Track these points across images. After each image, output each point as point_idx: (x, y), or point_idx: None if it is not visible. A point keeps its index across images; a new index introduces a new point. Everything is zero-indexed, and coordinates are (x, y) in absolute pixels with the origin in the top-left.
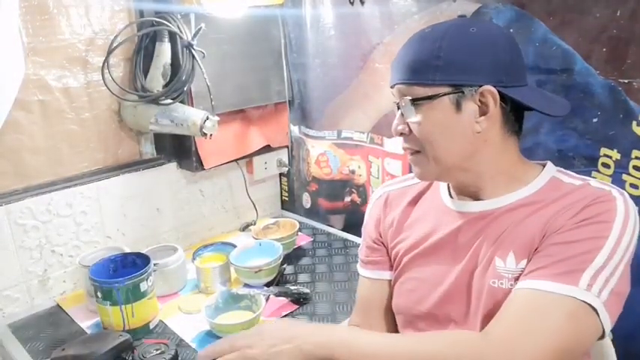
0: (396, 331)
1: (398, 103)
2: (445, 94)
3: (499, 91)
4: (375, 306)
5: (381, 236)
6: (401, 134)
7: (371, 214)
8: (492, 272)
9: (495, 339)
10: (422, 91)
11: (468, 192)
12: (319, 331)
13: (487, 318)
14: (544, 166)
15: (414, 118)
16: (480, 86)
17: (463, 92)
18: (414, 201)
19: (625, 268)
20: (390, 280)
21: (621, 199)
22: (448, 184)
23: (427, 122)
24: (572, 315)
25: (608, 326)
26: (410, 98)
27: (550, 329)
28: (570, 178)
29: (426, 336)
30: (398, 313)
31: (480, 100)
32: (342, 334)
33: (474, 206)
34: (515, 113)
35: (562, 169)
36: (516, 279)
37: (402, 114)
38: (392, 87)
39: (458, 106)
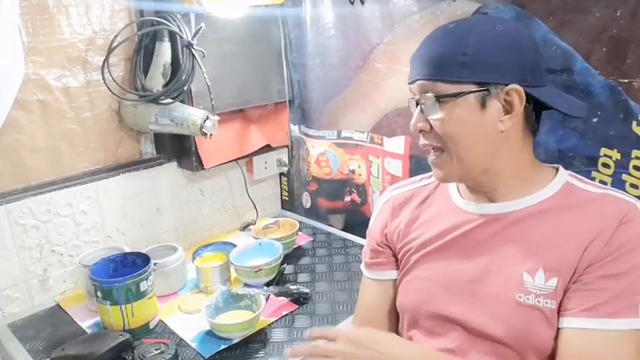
0: (397, 333)
1: (417, 100)
2: (471, 92)
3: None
4: (378, 308)
5: (387, 239)
6: (420, 131)
7: (377, 217)
8: (518, 286)
9: None
10: (446, 88)
11: (481, 193)
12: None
13: (511, 332)
14: (556, 169)
15: (437, 115)
16: (506, 85)
17: (489, 90)
18: (423, 202)
19: None
20: (396, 280)
21: None
22: (457, 185)
23: (451, 120)
24: None
25: None
26: (434, 95)
27: None
28: (584, 184)
29: None
30: (403, 312)
31: (504, 99)
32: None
33: (487, 208)
34: (536, 113)
35: (573, 174)
36: (545, 296)
37: (422, 110)
38: (411, 83)
39: (483, 104)
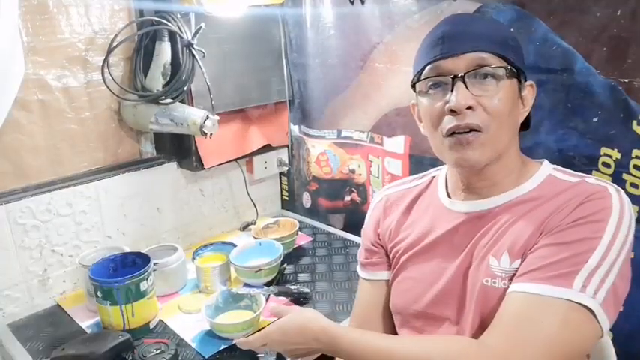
0: (395, 332)
1: (460, 75)
2: (517, 77)
3: None
4: (374, 308)
5: (379, 239)
6: (468, 108)
7: (371, 217)
8: (486, 270)
9: (490, 350)
10: (503, 67)
11: (474, 189)
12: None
13: (479, 317)
14: (541, 163)
15: (494, 92)
16: (526, 79)
17: (521, 81)
18: (413, 202)
19: (623, 267)
20: (389, 280)
21: (617, 196)
22: (446, 184)
23: (504, 98)
24: (568, 319)
25: (606, 326)
26: (494, 70)
27: (546, 337)
28: (566, 176)
29: (421, 340)
30: (395, 313)
31: (522, 93)
32: (349, 337)
33: (473, 206)
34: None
35: (559, 167)
36: (510, 278)
37: (467, 87)
38: (456, 55)
39: (520, 91)
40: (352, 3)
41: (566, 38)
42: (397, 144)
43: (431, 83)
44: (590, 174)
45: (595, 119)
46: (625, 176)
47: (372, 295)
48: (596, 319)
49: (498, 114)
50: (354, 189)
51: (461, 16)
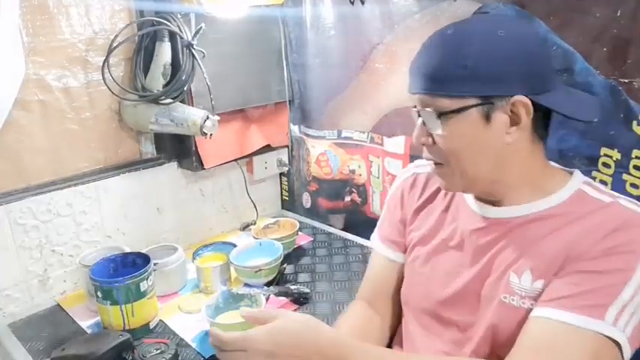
0: (400, 316)
1: (419, 112)
2: (473, 106)
3: (531, 100)
4: (385, 288)
5: (403, 216)
6: (423, 145)
7: (396, 192)
8: (505, 287)
9: None
10: (447, 103)
11: (489, 199)
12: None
13: (491, 331)
14: (571, 173)
15: (439, 130)
16: (511, 96)
17: (493, 103)
18: (435, 192)
19: None
20: (403, 265)
21: None
22: None
23: (453, 136)
24: (598, 352)
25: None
26: (434, 110)
27: None
28: (598, 193)
29: None
30: (404, 304)
31: (511, 110)
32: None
33: (493, 212)
34: (544, 119)
35: (590, 181)
36: (530, 298)
37: (424, 123)
38: (412, 94)
39: (487, 118)
40: (352, 3)
41: (566, 38)
42: (397, 144)
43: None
44: (590, 174)
45: (595, 119)
46: (625, 176)
47: (386, 274)
48: (621, 353)
49: (452, 151)
50: (354, 189)
51: (428, 44)
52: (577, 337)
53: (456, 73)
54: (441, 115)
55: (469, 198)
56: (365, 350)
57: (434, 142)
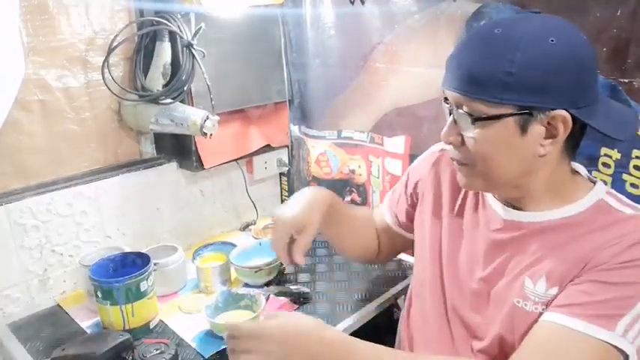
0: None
1: (450, 109)
2: (511, 115)
3: (571, 114)
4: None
5: (416, 192)
6: (450, 143)
7: (419, 166)
8: (519, 291)
9: None
10: (484, 109)
11: (509, 201)
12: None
13: (498, 333)
14: (594, 183)
15: (471, 133)
16: (552, 109)
17: (532, 115)
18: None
19: None
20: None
21: None
22: None
23: (485, 140)
24: None
25: None
26: (469, 112)
27: None
28: (620, 205)
29: None
30: (416, 295)
31: (548, 123)
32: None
33: (513, 214)
34: (580, 131)
35: (612, 192)
36: (543, 304)
37: (455, 122)
38: (445, 89)
39: (523, 129)
40: (352, 3)
41: None
42: (397, 144)
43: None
44: (591, 174)
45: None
46: (625, 176)
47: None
48: None
49: (482, 155)
50: (354, 189)
51: (472, 40)
52: (584, 345)
53: (499, 79)
54: (476, 120)
55: (490, 197)
56: (370, 345)
57: (462, 143)
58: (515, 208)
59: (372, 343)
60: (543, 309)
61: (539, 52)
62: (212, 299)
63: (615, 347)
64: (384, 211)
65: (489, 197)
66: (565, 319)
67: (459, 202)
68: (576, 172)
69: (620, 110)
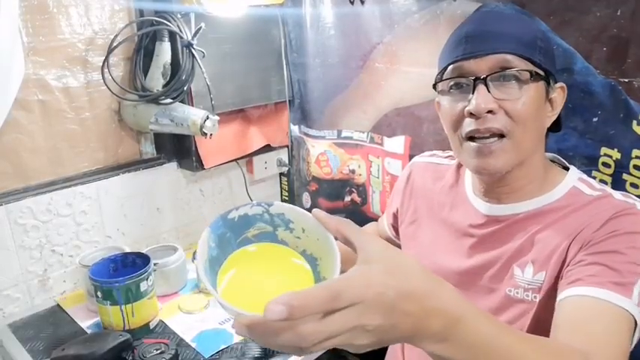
0: None
1: (481, 78)
2: (543, 78)
3: None
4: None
5: (396, 220)
6: (489, 112)
7: (396, 188)
8: (510, 280)
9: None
10: (530, 68)
11: (495, 194)
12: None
13: None
14: (567, 169)
15: (518, 95)
16: (556, 82)
17: (549, 83)
18: (438, 179)
19: None
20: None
21: None
22: (472, 177)
23: (528, 102)
24: (628, 329)
25: (636, 340)
26: (525, 70)
27: (618, 345)
28: (592, 190)
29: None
30: None
31: (551, 96)
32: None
33: (494, 209)
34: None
35: (584, 177)
36: (533, 290)
37: (489, 90)
38: (476, 57)
39: (547, 94)
40: (352, 3)
41: (566, 38)
42: (397, 144)
43: (452, 84)
44: (590, 174)
45: (595, 119)
46: (625, 176)
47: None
48: (635, 331)
49: (522, 119)
50: (354, 189)
51: (488, 13)
52: (614, 314)
53: (536, 43)
54: (532, 76)
55: (470, 194)
56: (515, 340)
57: (498, 109)
58: (496, 201)
59: (519, 335)
60: (534, 296)
61: (544, 30)
62: (201, 251)
63: (632, 315)
64: (385, 223)
65: (469, 194)
66: (585, 290)
67: (436, 205)
68: (552, 160)
69: None
